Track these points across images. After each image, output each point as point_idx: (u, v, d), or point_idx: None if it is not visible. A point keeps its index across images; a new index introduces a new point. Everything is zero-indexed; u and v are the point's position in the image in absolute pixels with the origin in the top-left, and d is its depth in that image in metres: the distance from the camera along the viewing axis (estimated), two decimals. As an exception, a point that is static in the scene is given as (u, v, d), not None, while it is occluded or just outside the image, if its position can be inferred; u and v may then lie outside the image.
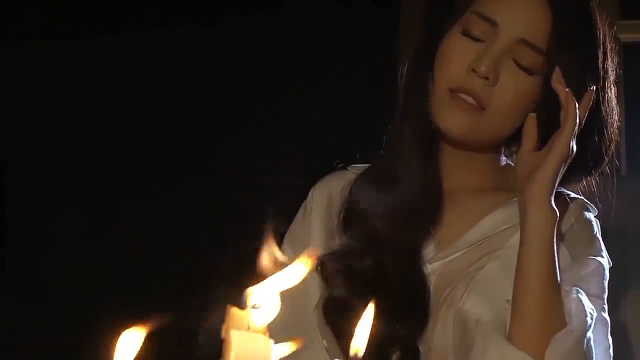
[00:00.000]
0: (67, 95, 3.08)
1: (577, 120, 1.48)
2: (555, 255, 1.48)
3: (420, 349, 1.53)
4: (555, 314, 1.46)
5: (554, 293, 1.47)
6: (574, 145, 1.49)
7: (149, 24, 3.06)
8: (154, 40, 3.07)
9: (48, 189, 3.05)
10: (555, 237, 1.48)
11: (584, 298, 1.49)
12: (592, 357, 1.46)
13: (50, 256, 3.02)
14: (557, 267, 1.48)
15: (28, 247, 3.04)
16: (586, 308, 1.47)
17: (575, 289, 1.50)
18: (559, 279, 1.48)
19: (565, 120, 1.48)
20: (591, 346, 1.46)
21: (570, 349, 1.44)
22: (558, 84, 1.51)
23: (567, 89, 1.49)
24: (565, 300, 1.47)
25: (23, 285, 3.01)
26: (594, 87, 1.53)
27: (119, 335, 0.85)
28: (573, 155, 1.50)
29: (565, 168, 1.49)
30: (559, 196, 1.62)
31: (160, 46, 3.07)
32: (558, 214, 1.48)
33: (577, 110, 1.48)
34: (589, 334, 1.46)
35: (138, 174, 3.07)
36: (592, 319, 1.47)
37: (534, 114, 1.53)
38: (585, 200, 1.64)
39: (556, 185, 1.49)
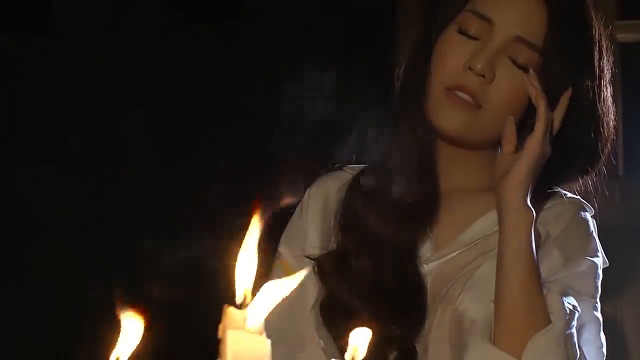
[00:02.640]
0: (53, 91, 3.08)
1: (549, 120, 1.49)
2: (534, 254, 1.48)
3: (417, 348, 1.54)
4: (536, 312, 1.46)
5: (535, 292, 1.47)
6: (548, 146, 1.50)
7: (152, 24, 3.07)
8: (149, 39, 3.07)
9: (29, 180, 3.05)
10: (533, 236, 1.48)
11: (565, 296, 1.49)
12: (576, 356, 1.45)
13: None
14: (537, 266, 1.49)
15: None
16: (566, 306, 1.48)
17: (558, 287, 1.50)
18: (540, 277, 1.49)
19: (536, 121, 1.49)
20: (573, 344, 1.46)
21: (548, 347, 1.44)
22: (530, 85, 1.52)
23: (537, 90, 1.50)
24: (547, 298, 1.48)
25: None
26: (571, 88, 1.54)
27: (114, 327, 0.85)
28: (547, 156, 1.50)
29: (539, 168, 1.50)
30: (555, 196, 1.63)
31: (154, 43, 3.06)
32: (534, 214, 1.49)
33: (547, 111, 1.49)
34: (570, 331, 1.46)
35: (134, 172, 3.06)
36: (573, 317, 1.47)
37: (512, 118, 1.53)
38: (582, 200, 1.65)
39: (531, 185, 1.49)
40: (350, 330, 1.50)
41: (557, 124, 1.52)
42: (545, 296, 1.48)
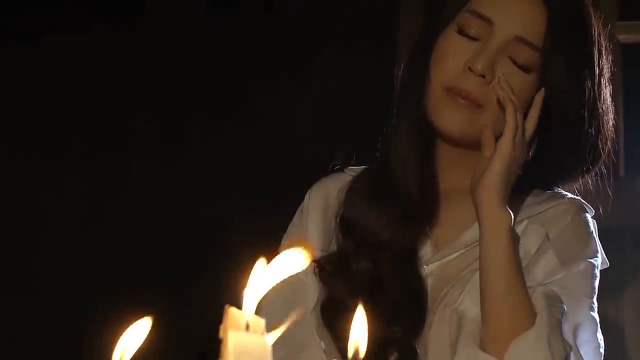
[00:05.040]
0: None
1: (518, 123, 1.50)
2: (515, 255, 1.49)
3: (417, 349, 1.54)
4: (520, 314, 1.47)
5: (518, 293, 1.48)
6: (523, 147, 1.51)
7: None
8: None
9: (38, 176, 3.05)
10: (512, 237, 1.49)
11: (550, 296, 1.50)
12: (563, 355, 1.46)
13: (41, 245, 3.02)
14: (520, 267, 1.50)
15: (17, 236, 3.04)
16: (550, 306, 1.48)
17: (545, 288, 1.51)
18: (523, 278, 1.49)
19: (506, 124, 1.50)
20: (559, 344, 1.46)
21: (530, 348, 1.44)
22: (498, 88, 1.52)
23: (505, 92, 1.51)
24: (532, 299, 1.49)
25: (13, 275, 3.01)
26: (543, 89, 1.55)
27: (118, 327, 0.86)
28: (522, 158, 1.52)
29: (514, 170, 1.51)
30: (556, 196, 1.63)
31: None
32: (512, 216, 1.50)
33: (516, 114, 1.50)
34: (554, 331, 1.46)
35: (135, 171, 3.07)
36: (557, 316, 1.48)
37: (489, 124, 1.54)
38: (582, 200, 1.65)
39: (507, 188, 1.50)
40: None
41: (531, 125, 1.54)
42: (531, 296, 1.49)
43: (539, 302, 1.48)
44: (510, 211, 1.50)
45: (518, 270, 1.49)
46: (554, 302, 1.50)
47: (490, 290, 1.48)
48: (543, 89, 1.55)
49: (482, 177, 1.50)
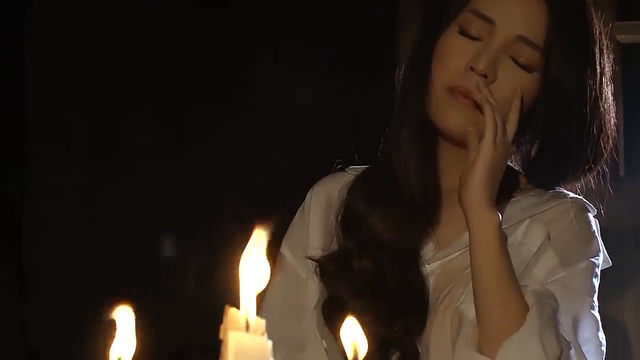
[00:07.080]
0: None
1: (497, 124, 1.50)
2: (504, 256, 1.49)
3: (419, 349, 1.54)
4: (513, 313, 1.47)
5: (510, 293, 1.48)
6: (506, 149, 1.52)
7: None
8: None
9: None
10: (500, 238, 1.49)
11: (540, 292, 1.50)
12: (556, 351, 1.45)
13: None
14: (510, 267, 1.50)
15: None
16: (541, 303, 1.48)
17: (537, 286, 1.51)
18: (515, 278, 1.50)
19: (485, 126, 1.50)
20: (553, 339, 1.46)
21: (521, 346, 1.45)
22: (476, 92, 1.53)
23: (483, 95, 1.51)
24: (525, 297, 1.49)
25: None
26: (519, 90, 1.55)
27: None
28: (506, 159, 1.53)
29: (498, 172, 1.51)
30: (558, 196, 1.63)
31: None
32: (500, 216, 1.50)
33: (495, 115, 1.50)
34: (547, 328, 1.46)
35: (137, 170, 3.06)
36: (549, 313, 1.48)
37: (473, 128, 1.54)
38: (584, 200, 1.65)
39: (493, 188, 1.51)
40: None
41: (512, 126, 1.54)
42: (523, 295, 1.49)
43: (529, 300, 1.49)
44: (498, 212, 1.50)
45: (509, 270, 1.50)
46: (545, 298, 1.50)
47: (482, 291, 1.49)
48: (519, 90, 1.55)
49: (466, 179, 1.50)
